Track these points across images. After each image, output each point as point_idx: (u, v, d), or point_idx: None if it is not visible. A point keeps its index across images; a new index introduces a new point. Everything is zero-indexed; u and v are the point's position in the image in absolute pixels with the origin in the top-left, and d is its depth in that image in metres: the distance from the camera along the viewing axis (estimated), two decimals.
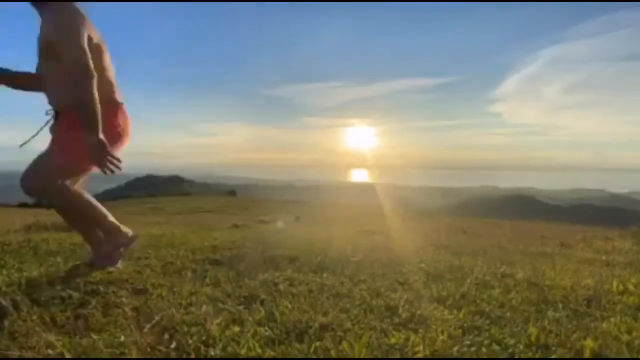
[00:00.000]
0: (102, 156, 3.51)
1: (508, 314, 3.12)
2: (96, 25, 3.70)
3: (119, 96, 3.98)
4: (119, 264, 4.17)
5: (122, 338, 2.48)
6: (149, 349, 2.37)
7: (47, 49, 3.59)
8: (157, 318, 2.84)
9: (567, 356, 2.46)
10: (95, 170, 3.76)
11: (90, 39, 3.57)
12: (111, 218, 4.20)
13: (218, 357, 2.31)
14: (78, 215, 4.10)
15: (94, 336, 2.52)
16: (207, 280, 3.96)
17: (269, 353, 2.34)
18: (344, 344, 2.42)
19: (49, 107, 3.85)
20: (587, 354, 2.49)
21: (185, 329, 2.63)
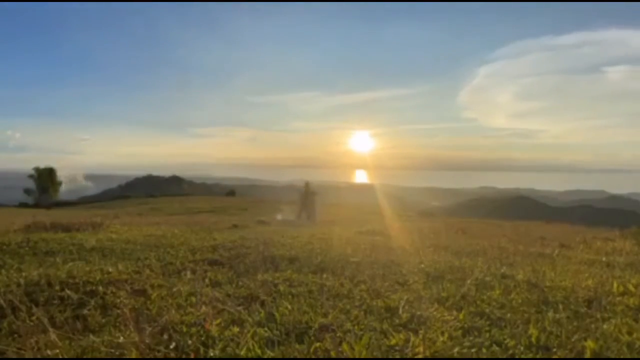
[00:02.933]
0: None
1: (508, 315, 3.11)
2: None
3: None
4: None
5: (121, 339, 2.47)
6: (148, 350, 2.37)
7: None
8: (156, 319, 2.84)
9: (567, 357, 2.46)
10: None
11: None
12: None
13: (217, 357, 2.30)
14: None
15: (93, 337, 2.51)
16: (207, 280, 3.96)
17: (269, 354, 2.34)
18: (344, 345, 2.41)
19: None
20: (587, 355, 2.49)
21: (185, 329, 2.63)
